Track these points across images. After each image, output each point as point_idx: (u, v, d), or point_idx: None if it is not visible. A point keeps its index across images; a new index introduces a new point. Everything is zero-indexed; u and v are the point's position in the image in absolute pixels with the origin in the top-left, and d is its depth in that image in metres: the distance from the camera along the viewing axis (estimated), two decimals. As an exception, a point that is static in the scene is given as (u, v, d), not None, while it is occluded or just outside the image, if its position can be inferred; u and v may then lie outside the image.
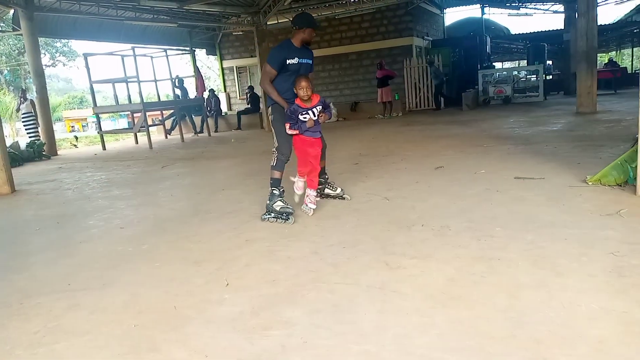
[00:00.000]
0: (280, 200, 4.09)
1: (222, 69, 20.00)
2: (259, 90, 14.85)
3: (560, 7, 20.44)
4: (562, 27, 19.69)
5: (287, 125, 4.05)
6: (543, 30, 21.23)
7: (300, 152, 4.22)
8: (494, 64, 22.35)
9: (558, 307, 2.25)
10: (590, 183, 4.31)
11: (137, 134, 14.07)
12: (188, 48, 17.74)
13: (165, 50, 14.36)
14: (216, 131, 15.46)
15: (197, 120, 14.94)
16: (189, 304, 2.64)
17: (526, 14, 22.05)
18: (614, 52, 31.42)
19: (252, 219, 4.19)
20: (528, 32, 22.34)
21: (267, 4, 13.77)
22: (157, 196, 5.74)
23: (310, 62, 4.28)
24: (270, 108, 4.29)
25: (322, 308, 2.44)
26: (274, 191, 4.14)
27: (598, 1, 10.78)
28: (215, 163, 8.16)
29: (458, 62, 17.67)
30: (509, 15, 24.30)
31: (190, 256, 3.40)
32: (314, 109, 4.05)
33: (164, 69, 14.46)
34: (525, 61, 21.49)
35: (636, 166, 3.84)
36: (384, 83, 14.27)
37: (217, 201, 5.11)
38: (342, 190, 4.69)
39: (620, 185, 4.12)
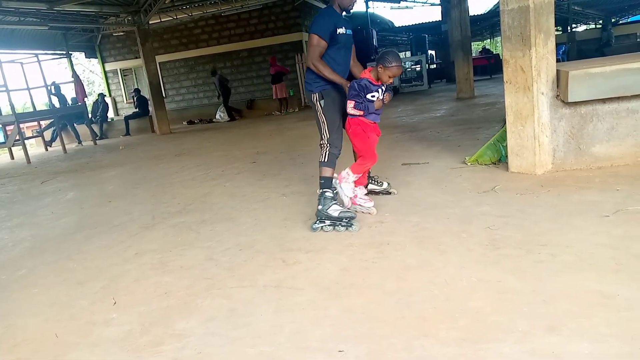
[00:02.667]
0: (336, 203, 3.40)
1: (105, 72, 18.81)
2: (146, 93, 14.16)
3: (436, 0, 21.81)
4: (440, 19, 21.03)
5: (352, 103, 3.35)
6: (424, 22, 22.54)
7: (369, 141, 3.48)
8: (381, 56, 23.29)
9: (442, 284, 2.39)
10: (469, 164, 4.64)
11: (12, 148, 12.78)
12: (64, 52, 16.42)
13: (36, 55, 13.16)
14: (101, 138, 14.50)
15: (82, 128, 13.90)
16: (72, 329, 2.44)
17: (407, 7, 23.23)
18: (488, 40, 34.24)
19: (142, 230, 3.97)
20: (410, 24, 23.58)
21: (147, 2, 13.13)
22: (36, 215, 5.25)
23: (350, 32, 3.54)
24: (317, 93, 3.45)
25: (217, 315, 2.37)
26: (326, 193, 3.41)
27: (468, -6, 11.62)
28: (102, 173, 7.65)
29: (348, 56, 18.16)
30: (392, 8, 25.44)
31: (73, 277, 3.15)
32: (382, 87, 3.41)
33: (38, 75, 13.26)
34: (410, 52, 22.65)
35: (506, 145, 4.19)
36: (278, 79, 14.30)
37: (103, 214, 4.79)
38: (388, 184, 4.05)
39: (495, 164, 4.48)
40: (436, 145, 5.89)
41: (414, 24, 23.24)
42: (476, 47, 29.97)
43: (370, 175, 3.92)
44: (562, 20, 20.54)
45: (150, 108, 13.96)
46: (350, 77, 3.55)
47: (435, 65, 22.42)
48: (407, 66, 17.91)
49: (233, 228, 3.73)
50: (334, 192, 3.46)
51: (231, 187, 5.20)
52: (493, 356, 1.79)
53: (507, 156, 4.21)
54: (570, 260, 2.44)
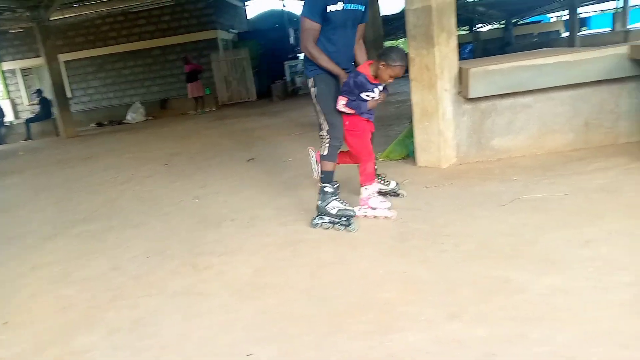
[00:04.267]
0: (336, 199, 3.16)
1: (2, 72, 17.29)
2: (48, 94, 13.19)
3: None
4: (354, 19, 21.42)
5: (344, 100, 3.01)
6: (339, 21, 22.81)
7: (367, 141, 3.22)
8: (298, 55, 23.41)
9: (354, 278, 2.42)
10: (380, 159, 4.76)
11: None
12: (-49, 49, 14.88)
13: None
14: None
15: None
16: (-45, 356, 2.20)
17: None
18: (402, 39, 35.44)
19: (42, 242, 3.68)
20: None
21: (47, -4, 12.22)
22: None
23: (361, 7, 3.08)
24: (313, 79, 3.13)
25: (122, 327, 2.25)
26: (326, 188, 3.18)
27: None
28: (-1, 181, 7.03)
29: (266, 55, 18.07)
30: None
31: (-42, 298, 2.85)
32: (380, 86, 3.09)
33: None
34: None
35: (414, 141, 4.35)
36: (193, 77, 13.89)
37: (-2, 226, 4.39)
38: (397, 184, 3.64)
39: (404, 159, 4.64)
40: (351, 142, 5.99)
41: (330, 23, 23.46)
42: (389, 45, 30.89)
43: (377, 173, 3.47)
44: (468, 20, 21.74)
45: (54, 110, 13.02)
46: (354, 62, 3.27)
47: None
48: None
49: (142, 234, 3.56)
50: (335, 186, 3.21)
51: (141, 190, 4.97)
52: (399, 346, 1.84)
53: (415, 151, 4.37)
54: (472, 248, 2.58)
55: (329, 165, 3.17)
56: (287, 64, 16.76)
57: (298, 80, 16.28)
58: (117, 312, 2.39)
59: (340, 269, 2.54)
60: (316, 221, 3.16)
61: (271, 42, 18.22)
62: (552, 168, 3.70)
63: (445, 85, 4.01)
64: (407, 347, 1.83)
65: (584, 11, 31.54)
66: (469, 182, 3.67)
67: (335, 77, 3.06)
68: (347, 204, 3.15)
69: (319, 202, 3.17)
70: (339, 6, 2.94)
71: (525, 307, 2.00)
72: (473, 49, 20.01)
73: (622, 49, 3.85)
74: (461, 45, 18.95)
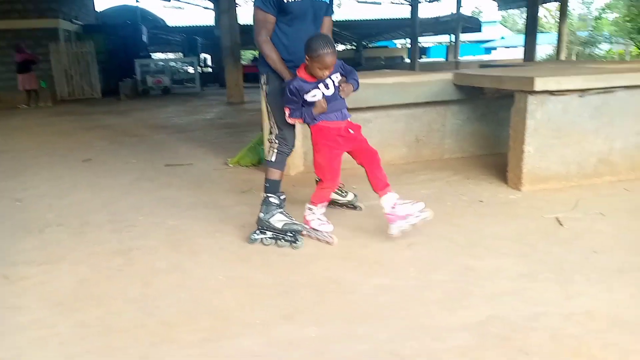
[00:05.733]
0: (281, 212, 2.82)
1: None
2: None
3: (210, 4, 21.84)
4: (214, 24, 21.13)
5: (287, 111, 2.69)
6: (197, 24, 22.33)
7: (331, 157, 2.79)
8: (152, 54, 22.30)
9: (190, 286, 2.33)
10: (231, 165, 4.71)
11: None
12: None
13: None
14: None
15: None
16: None
17: (179, 7, 22.73)
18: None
19: None
20: (184, 25, 23.11)
21: None
22: None
23: None
24: (265, 76, 2.81)
25: None
26: (271, 199, 2.84)
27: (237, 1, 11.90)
28: None
29: (115, 51, 16.85)
30: (164, 7, 24.56)
31: None
32: (327, 80, 2.64)
33: None
34: (182, 53, 22.19)
35: (264, 148, 4.38)
36: (26, 68, 12.34)
37: None
38: (355, 196, 3.32)
39: (255, 165, 4.65)
40: (203, 147, 5.85)
41: (187, 25, 22.84)
42: (250, 54, 31.08)
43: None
44: (323, 39, 22.80)
45: None
46: None
47: (211, 69, 22.45)
48: (178, 66, 17.49)
49: (-59, 242, 3.02)
50: (281, 197, 2.88)
51: (-53, 192, 4.24)
52: (232, 351, 1.81)
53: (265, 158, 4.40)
54: (312, 252, 2.66)
55: (275, 174, 2.87)
56: (138, 62, 15.82)
57: (150, 80, 15.45)
58: None
59: (176, 277, 2.43)
60: (255, 236, 2.79)
61: (122, 38, 17.06)
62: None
63: (294, 95, 4.11)
64: (239, 352, 1.81)
65: (424, 41, 35.24)
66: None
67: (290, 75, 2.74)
68: (294, 218, 2.81)
69: (261, 214, 2.80)
70: None
71: (354, 306, 2.10)
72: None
73: (448, 75, 4.35)
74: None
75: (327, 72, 2.57)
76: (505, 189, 3.63)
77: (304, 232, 2.81)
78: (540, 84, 3.28)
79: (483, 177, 3.94)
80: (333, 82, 2.66)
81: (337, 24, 22.26)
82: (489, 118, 4.60)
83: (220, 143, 6.11)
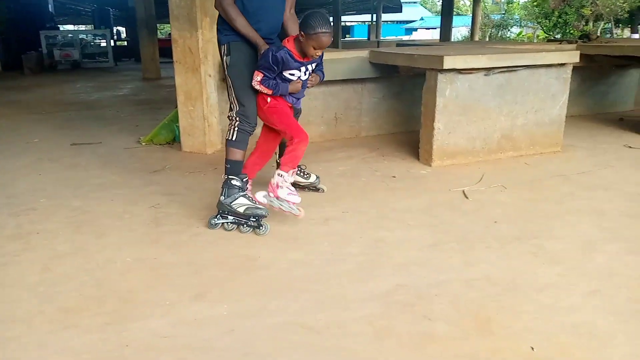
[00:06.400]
0: (243, 196, 2.59)
1: None
2: None
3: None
4: (127, -6, 19.91)
5: (259, 77, 2.48)
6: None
7: (289, 115, 2.65)
8: (60, 25, 20.67)
9: (94, 269, 2.21)
10: (144, 143, 4.51)
11: None
12: None
13: None
14: None
15: None
16: None
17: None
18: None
19: None
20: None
21: None
22: None
23: None
24: (226, 46, 2.56)
25: None
26: (233, 181, 2.61)
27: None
28: None
29: (16, 20, 15.39)
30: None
31: None
32: (308, 66, 2.58)
33: None
34: (92, 25, 20.77)
35: (179, 125, 4.23)
36: None
37: None
38: (317, 177, 3.16)
39: (170, 144, 4.48)
40: (113, 125, 5.54)
41: (99, -5, 21.33)
42: (168, 28, 29.72)
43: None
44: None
45: None
46: (283, 36, 2.71)
47: (125, 43, 21.20)
48: (89, 39, 16.34)
49: None
50: (244, 179, 2.67)
51: None
52: (138, 334, 1.75)
53: (180, 136, 4.25)
54: (225, 230, 2.61)
55: (237, 154, 2.64)
56: (43, 33, 14.60)
57: (57, 53, 14.34)
58: None
59: (78, 260, 2.30)
60: (216, 220, 2.61)
61: (24, 6, 15.62)
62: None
63: (210, 71, 3.99)
64: (146, 334, 1.75)
65: (348, 20, 35.44)
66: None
67: (253, 46, 2.55)
68: (258, 203, 2.62)
69: (222, 197, 2.60)
70: None
71: (268, 282, 2.11)
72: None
73: (364, 53, 4.40)
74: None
75: (319, 53, 2.49)
76: (417, 164, 3.77)
77: (265, 201, 2.62)
78: (449, 62, 3.40)
79: (397, 154, 4.06)
80: (307, 69, 2.60)
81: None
82: (403, 96, 4.73)
83: (134, 121, 5.82)
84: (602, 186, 3.27)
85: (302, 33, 2.39)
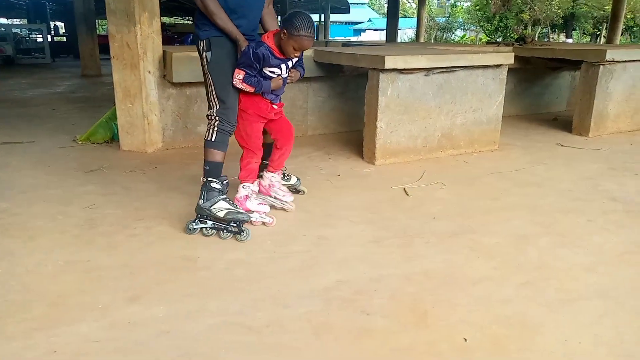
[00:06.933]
0: (224, 199, 2.50)
1: None
2: None
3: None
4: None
5: (241, 74, 2.43)
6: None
7: (257, 127, 2.64)
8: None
9: (22, 273, 2.10)
10: (80, 142, 4.33)
11: None
12: None
13: None
14: None
15: None
16: None
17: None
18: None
19: None
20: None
21: None
22: None
23: None
24: (206, 41, 2.46)
25: None
26: (212, 184, 2.50)
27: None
28: None
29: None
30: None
31: None
32: (289, 62, 2.54)
33: None
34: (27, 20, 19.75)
35: (117, 123, 4.08)
36: None
37: None
38: (298, 179, 3.10)
39: (108, 142, 4.32)
40: (49, 123, 5.28)
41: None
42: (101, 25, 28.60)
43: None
44: (192, 11, 21.80)
45: None
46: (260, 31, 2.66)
47: (64, 39, 20.25)
48: (24, 34, 15.51)
49: None
50: (224, 182, 2.56)
51: None
52: (68, 339, 1.67)
53: (119, 134, 4.11)
54: (164, 230, 2.55)
55: (217, 155, 2.55)
56: None
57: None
58: None
59: (5, 265, 2.17)
60: (194, 225, 2.49)
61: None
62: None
63: (149, 67, 3.87)
64: (76, 339, 1.67)
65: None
66: (172, 167, 3.64)
67: (234, 42, 2.49)
68: (239, 207, 2.56)
69: (201, 200, 2.50)
70: None
71: (207, 282, 2.07)
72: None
73: (309, 52, 4.40)
74: (184, 34, 18.77)
75: (297, 54, 2.49)
76: (361, 163, 3.82)
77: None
78: (390, 62, 3.46)
79: (342, 153, 4.10)
80: (287, 66, 2.57)
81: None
82: (348, 96, 4.78)
83: (71, 119, 5.58)
84: (535, 183, 3.43)
85: (285, 32, 2.38)
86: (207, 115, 2.59)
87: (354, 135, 4.53)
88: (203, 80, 2.63)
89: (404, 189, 3.24)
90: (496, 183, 3.42)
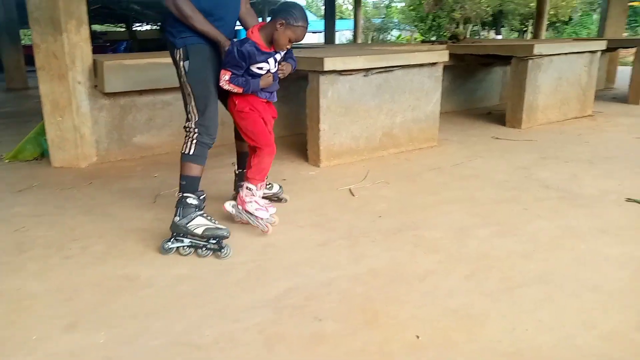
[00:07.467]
0: (201, 215, 2.36)
1: None
2: None
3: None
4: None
5: (227, 75, 2.33)
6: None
7: (259, 121, 2.51)
8: None
9: (-58, 309, 1.92)
10: (7, 160, 4.06)
11: None
12: None
13: None
14: None
15: None
16: None
17: None
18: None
19: None
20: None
21: None
22: None
23: None
24: (183, 49, 2.31)
25: None
26: (189, 199, 2.36)
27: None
28: None
29: None
30: None
31: None
32: (277, 55, 2.42)
33: None
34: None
35: (47, 138, 3.86)
36: None
37: None
38: (280, 187, 3.01)
39: (38, 159, 4.08)
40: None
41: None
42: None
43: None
44: (124, 17, 21.09)
45: None
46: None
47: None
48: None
49: None
50: (201, 197, 2.40)
51: None
52: (-4, 378, 1.54)
53: (49, 150, 3.89)
54: (100, 250, 2.42)
55: (194, 169, 2.38)
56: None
57: None
58: None
59: None
60: (170, 244, 2.34)
61: None
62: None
63: (78, 77, 3.69)
64: (6, 376, 1.55)
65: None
66: (108, 181, 3.48)
67: (215, 48, 2.35)
68: (217, 222, 2.40)
69: (177, 217, 2.34)
70: None
71: (149, 301, 1.98)
72: (129, 46, 19.48)
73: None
74: (117, 42, 18.12)
75: (289, 46, 2.40)
76: (306, 166, 3.81)
77: (234, 213, 2.57)
78: (329, 64, 3.47)
79: (286, 157, 4.07)
80: (276, 60, 2.45)
81: (137, 1, 20.84)
82: (289, 99, 4.74)
83: (-5, 136, 5.23)
84: (473, 175, 3.54)
85: (283, 22, 2.28)
86: (185, 127, 2.45)
87: (297, 138, 4.51)
88: (180, 90, 2.46)
89: (349, 189, 3.25)
90: (436, 178, 3.49)
